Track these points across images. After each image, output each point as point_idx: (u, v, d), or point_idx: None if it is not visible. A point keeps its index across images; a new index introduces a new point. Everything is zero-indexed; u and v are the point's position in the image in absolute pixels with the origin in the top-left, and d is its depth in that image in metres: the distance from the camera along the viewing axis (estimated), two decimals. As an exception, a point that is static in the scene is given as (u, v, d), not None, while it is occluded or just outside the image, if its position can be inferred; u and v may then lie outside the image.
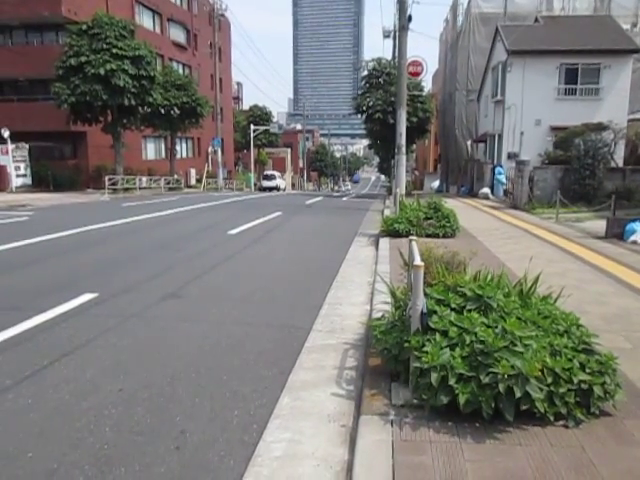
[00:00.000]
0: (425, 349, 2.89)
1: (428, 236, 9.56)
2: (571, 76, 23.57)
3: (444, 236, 9.68)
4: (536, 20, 26.71)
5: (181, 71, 38.92)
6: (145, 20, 35.91)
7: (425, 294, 3.14)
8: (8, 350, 4.10)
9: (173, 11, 39.72)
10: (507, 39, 24.02)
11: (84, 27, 24.45)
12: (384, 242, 9.14)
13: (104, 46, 23.94)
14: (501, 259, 7.57)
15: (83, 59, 23.66)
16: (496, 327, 2.97)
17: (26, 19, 27.89)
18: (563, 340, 3.04)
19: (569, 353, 2.94)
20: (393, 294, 3.91)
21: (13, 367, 3.77)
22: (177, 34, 40.66)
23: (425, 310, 3.00)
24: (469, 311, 3.16)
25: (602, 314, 4.91)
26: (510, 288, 3.64)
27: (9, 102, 29.75)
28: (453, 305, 3.24)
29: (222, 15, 40.21)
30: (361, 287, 6.23)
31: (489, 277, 3.72)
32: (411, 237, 3.88)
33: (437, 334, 2.98)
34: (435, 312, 3.13)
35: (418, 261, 3.00)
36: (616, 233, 10.04)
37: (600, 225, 11.07)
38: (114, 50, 23.97)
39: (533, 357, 2.79)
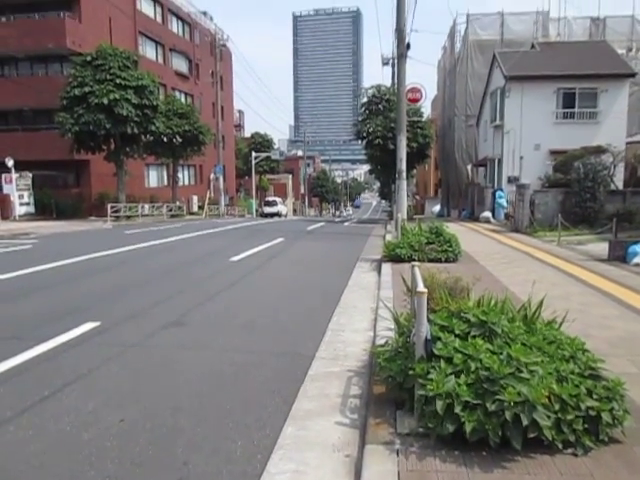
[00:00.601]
0: (430, 376, 2.86)
1: (430, 261, 9.54)
2: (569, 100, 23.85)
3: (446, 261, 9.67)
4: (532, 46, 27.14)
5: (183, 100, 39.45)
6: (148, 51, 36.55)
7: (429, 320, 3.12)
8: (9, 381, 4.07)
9: (175, 42, 40.44)
10: (504, 65, 24.39)
11: (88, 58, 24.87)
12: (386, 267, 9.13)
13: (108, 76, 24.31)
14: (504, 283, 7.54)
15: (87, 89, 24.01)
16: (501, 353, 2.95)
17: (31, 51, 28.41)
18: (569, 366, 3.01)
19: (576, 379, 2.91)
20: (396, 320, 3.89)
21: (14, 398, 3.73)
22: (179, 64, 41.33)
23: (429, 337, 2.98)
24: (473, 337, 3.14)
25: (607, 338, 4.87)
26: (514, 313, 3.63)
27: (14, 132, 30.12)
28: (457, 331, 3.22)
29: (223, 45, 40.98)
30: (364, 313, 6.20)
31: (493, 302, 3.70)
32: (413, 263, 3.88)
33: (442, 361, 2.95)
34: (439, 339, 3.11)
35: (421, 287, 2.99)
36: (619, 255, 10.02)
37: (602, 248, 11.07)
38: (117, 80, 24.35)
39: (539, 384, 2.76)
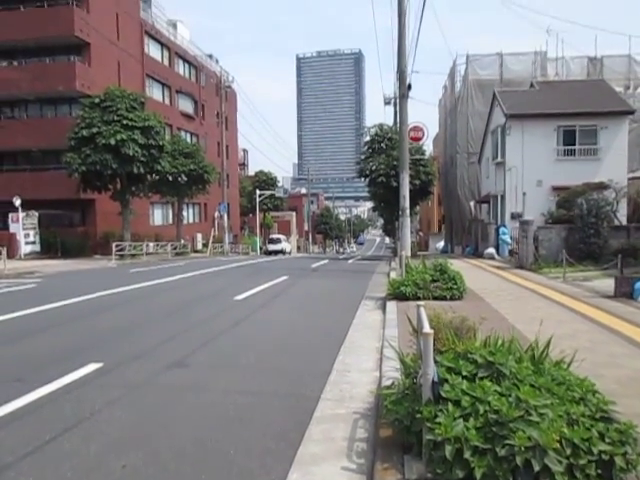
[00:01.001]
0: (438, 420, 2.81)
1: (435, 299, 9.50)
2: (569, 137, 24.13)
3: (451, 298, 9.61)
4: (531, 85, 27.66)
5: (189, 139, 40.16)
6: (155, 92, 37.40)
7: (435, 362, 3.09)
8: (11, 424, 4.01)
9: (182, 84, 41.41)
10: (505, 104, 24.78)
11: (97, 100, 25.45)
12: (391, 305, 9.08)
13: (115, 117, 24.81)
14: (510, 321, 7.47)
15: (95, 130, 24.47)
16: (510, 396, 2.90)
17: (42, 93, 29.14)
18: (580, 408, 2.95)
19: (587, 422, 2.85)
20: (402, 361, 3.84)
21: (15, 442, 3.68)
22: (185, 105, 42.20)
23: (436, 379, 2.94)
24: (481, 379, 3.10)
25: (617, 377, 4.79)
26: (522, 353, 3.58)
27: (22, 172, 30.62)
28: (464, 373, 3.17)
29: (228, 87, 41.88)
30: (370, 352, 6.14)
31: (500, 342, 3.67)
32: (419, 303, 3.86)
33: (449, 404, 2.91)
34: (446, 380, 3.06)
35: (427, 329, 2.97)
36: (625, 292, 9.95)
37: (608, 284, 11.00)
38: (125, 121, 24.82)
39: (550, 427, 2.70)
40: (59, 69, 29.27)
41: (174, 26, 43.51)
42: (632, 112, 24.41)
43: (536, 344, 3.74)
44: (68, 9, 28.34)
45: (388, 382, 4.03)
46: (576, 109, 23.92)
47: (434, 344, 3.13)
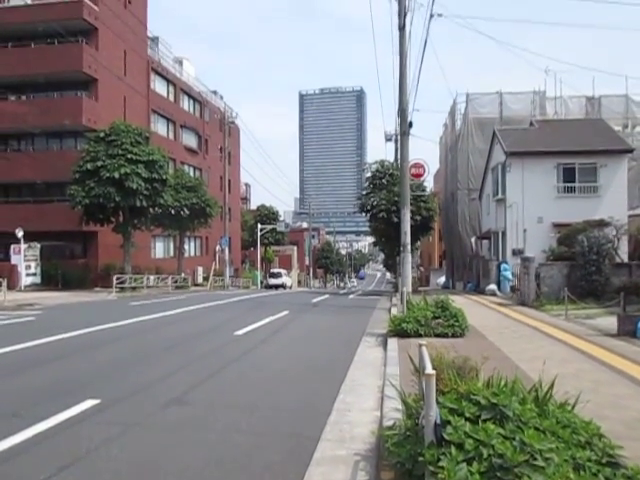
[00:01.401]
0: (441, 464, 2.75)
1: (437, 336, 9.42)
2: (569, 175, 24.34)
3: (453, 335, 9.53)
4: (531, 124, 28.05)
5: (192, 173, 40.57)
6: (160, 127, 37.97)
7: (438, 403, 3.05)
8: (5, 463, 3.93)
9: (186, 119, 42.08)
10: (505, 141, 25.10)
11: (102, 134, 25.84)
12: (392, 342, 9.00)
13: (120, 151, 25.13)
14: (513, 359, 7.40)
15: (99, 163, 24.75)
16: (514, 439, 2.85)
17: (48, 127, 29.58)
18: (586, 453, 2.90)
19: (593, 467, 2.80)
20: (404, 402, 3.79)
21: (9, 482, 3.60)
22: (189, 139, 42.79)
23: (439, 421, 2.90)
24: (484, 421, 3.05)
25: (622, 419, 4.71)
26: (525, 394, 3.54)
27: (26, 203, 30.85)
28: (467, 414, 3.13)
29: (232, 122, 42.51)
30: (370, 391, 6.06)
31: (503, 382, 3.63)
32: (420, 342, 3.84)
33: (452, 447, 2.85)
34: (449, 422, 3.01)
35: (429, 369, 2.94)
36: (628, 330, 9.86)
37: (611, 322, 10.92)
38: (129, 155, 25.13)
39: (556, 472, 2.65)
40: (66, 104, 29.81)
41: (180, 63, 44.49)
42: (631, 151, 24.70)
43: (540, 385, 3.70)
44: (78, 46, 29.04)
45: (389, 422, 3.97)
46: (575, 147, 24.21)
47: (436, 384, 3.09)
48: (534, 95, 31.28)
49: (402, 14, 16.66)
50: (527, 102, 31.30)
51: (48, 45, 29.73)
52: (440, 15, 15.85)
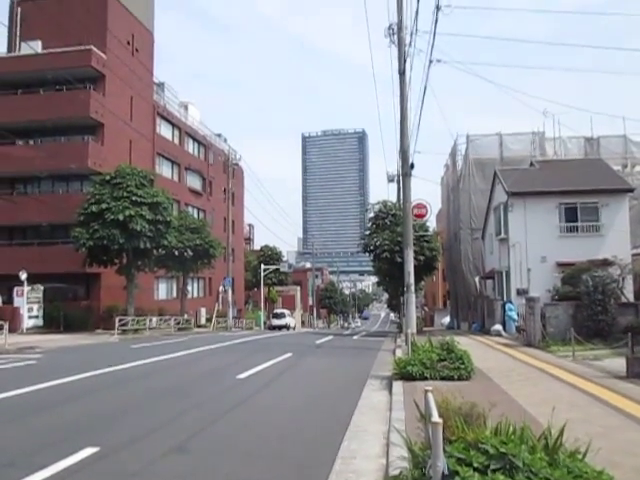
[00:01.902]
0: (449, 518, 2.67)
1: (442, 379, 9.26)
2: (571, 214, 24.41)
3: (459, 378, 9.36)
4: (531, 164, 28.33)
5: (196, 215, 40.87)
6: (164, 169, 38.49)
7: (445, 452, 2.97)
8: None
9: (191, 161, 42.69)
10: (506, 182, 25.30)
11: (107, 177, 26.15)
12: (397, 386, 8.84)
13: (124, 194, 25.35)
14: (521, 403, 7.25)
15: (104, 206, 24.94)
16: (524, 491, 2.77)
17: (55, 171, 29.96)
18: (598, 505, 2.80)
19: (606, 520, 2.70)
20: (411, 450, 3.70)
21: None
22: (193, 181, 43.30)
23: (446, 471, 2.82)
24: (493, 471, 2.97)
25: (635, 466, 4.57)
26: (535, 442, 3.45)
27: (30, 245, 31.01)
28: (476, 464, 3.05)
29: (236, 164, 43.10)
30: (376, 437, 5.92)
31: (511, 429, 3.55)
32: (426, 388, 3.77)
33: (461, 499, 2.77)
34: (457, 473, 2.93)
35: (436, 417, 2.88)
36: (638, 372, 9.68)
37: (620, 363, 10.74)
38: (134, 197, 25.35)
39: (568, 526, 2.56)
40: (73, 148, 30.34)
41: (185, 107, 45.43)
42: (631, 190, 24.85)
43: (549, 431, 3.61)
44: (85, 93, 29.74)
45: (396, 472, 3.86)
46: (576, 187, 24.37)
47: (443, 432, 3.02)
48: (533, 136, 31.70)
49: (402, 59, 17.11)
50: (527, 143, 31.70)
51: (56, 92, 30.44)
52: (439, 61, 16.23)
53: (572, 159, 29.81)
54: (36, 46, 29.79)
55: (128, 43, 33.73)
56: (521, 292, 23.25)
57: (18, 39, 32.13)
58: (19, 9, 32.27)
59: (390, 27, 17.22)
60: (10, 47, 32.59)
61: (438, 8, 14.16)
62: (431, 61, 16.01)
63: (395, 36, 17.17)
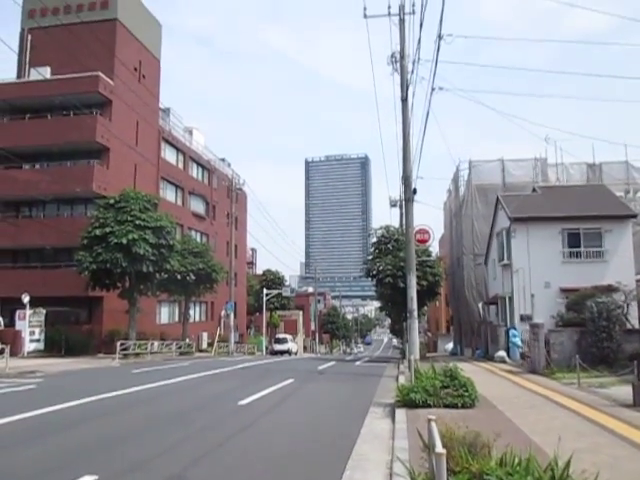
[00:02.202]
0: None
1: (446, 406, 9.15)
2: (574, 240, 24.37)
3: (463, 406, 9.25)
4: (534, 190, 28.38)
5: (199, 239, 40.96)
6: (168, 194, 38.72)
7: (449, 483, 2.93)
8: None
9: (195, 185, 42.97)
10: (508, 207, 25.35)
11: (112, 201, 26.28)
12: (400, 413, 8.74)
13: (128, 218, 25.43)
14: (526, 432, 7.15)
15: (108, 230, 25.00)
16: (530, 524, 2.71)
17: (60, 194, 30.20)
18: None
19: None
20: (414, 480, 3.64)
21: None
22: (197, 205, 43.51)
23: (451, 503, 2.77)
24: (498, 504, 2.92)
25: (644, 500, 4.49)
26: (541, 473, 3.40)
27: (33, 269, 31.03)
28: (480, 496, 3.00)
29: (239, 189, 43.35)
30: (379, 467, 5.82)
31: (516, 460, 3.49)
32: (430, 417, 3.73)
33: (466, 532, 2.72)
34: (461, 505, 2.88)
35: (439, 448, 2.84)
36: (644, 401, 9.56)
37: (626, 391, 10.59)
38: (137, 221, 25.42)
39: None
40: (78, 172, 30.61)
41: (190, 132, 45.89)
42: (635, 216, 24.86)
43: (555, 462, 3.55)
44: (92, 118, 30.15)
45: (399, 503, 3.80)
46: (579, 212, 24.38)
47: (447, 463, 2.98)
48: (535, 162, 31.84)
49: (404, 87, 17.31)
50: (529, 169, 31.82)
51: (64, 116, 30.87)
52: (441, 88, 16.44)
53: (575, 185, 29.89)
54: (45, 72, 30.34)
55: (135, 69, 34.29)
56: (525, 318, 23.08)
57: (27, 65, 32.70)
58: (29, 36, 32.92)
59: (393, 55, 17.45)
60: (20, 73, 33.14)
61: (440, 37, 14.37)
62: (433, 89, 16.23)
63: (397, 64, 17.41)
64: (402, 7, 17.30)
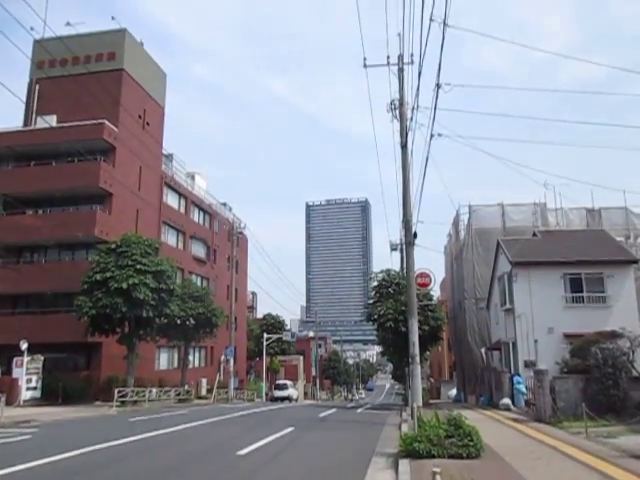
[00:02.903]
0: None
1: (451, 457, 8.91)
2: (576, 285, 24.25)
3: (468, 456, 9.00)
4: (534, 234, 28.45)
5: (199, 283, 40.88)
6: (169, 238, 38.91)
7: None
8: None
9: (196, 230, 43.21)
10: (509, 251, 25.36)
11: (113, 246, 26.33)
12: (404, 464, 8.49)
13: (129, 262, 25.39)
14: (534, 486, 6.93)
15: (108, 274, 24.94)
16: None
17: (62, 239, 30.26)
18: None
19: None
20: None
21: None
22: (198, 249, 43.62)
23: None
24: None
25: None
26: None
27: (32, 314, 30.80)
28: None
29: (240, 233, 43.53)
30: (382, 523, 5.63)
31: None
32: (434, 469, 3.62)
33: None
34: None
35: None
36: (654, 453, 9.31)
37: (635, 441, 10.40)
38: (138, 266, 25.35)
39: None
40: (81, 217, 30.84)
41: (192, 177, 46.48)
42: (636, 261, 24.83)
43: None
44: (96, 164, 30.60)
45: None
46: (580, 257, 24.34)
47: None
48: (535, 207, 32.04)
49: (403, 133, 17.64)
50: (529, 213, 32.00)
51: (68, 163, 31.33)
52: (440, 135, 16.72)
53: (575, 230, 29.97)
54: (51, 120, 30.97)
55: (139, 117, 35.03)
56: (529, 364, 22.72)
57: (34, 114, 33.42)
58: (37, 86, 33.78)
59: (392, 102, 17.85)
60: (26, 121, 33.83)
61: (438, 86, 14.70)
62: (432, 135, 16.51)
63: (397, 111, 17.79)
64: (401, 57, 17.83)
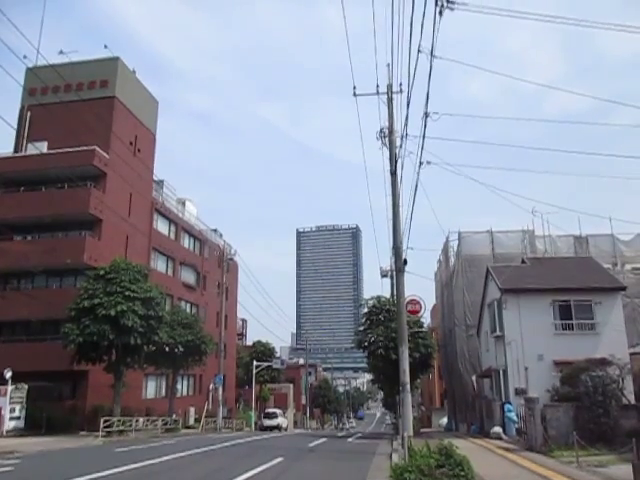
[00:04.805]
0: None
1: (442, 487, 8.79)
2: (565, 312, 24.36)
3: (459, 487, 8.89)
4: (523, 261, 28.67)
5: (189, 310, 40.51)
6: (159, 264, 38.66)
7: None
8: None
9: (186, 256, 43.00)
10: (499, 278, 25.48)
11: (102, 272, 26.00)
12: (394, 496, 8.38)
13: (118, 289, 25.02)
14: (525, 517, 6.85)
15: (96, 301, 24.56)
16: None
17: (50, 266, 29.91)
18: None
19: None
20: None
21: None
22: (188, 276, 43.33)
23: None
24: None
25: None
26: None
27: (18, 342, 30.24)
28: None
29: (230, 259, 43.38)
30: None
31: None
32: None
33: None
34: None
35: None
36: (646, 481, 9.24)
37: (626, 471, 10.28)
38: (127, 292, 25.01)
39: None
40: (69, 243, 30.60)
41: (183, 204, 46.43)
42: (623, 288, 25.01)
43: None
44: (86, 190, 30.51)
45: None
46: (569, 284, 24.53)
47: None
48: (523, 234, 32.38)
49: (393, 161, 17.84)
50: (517, 240, 32.31)
51: (58, 189, 31.21)
52: (429, 163, 16.91)
53: (563, 257, 30.26)
54: (42, 147, 30.97)
55: (131, 144, 35.14)
56: (520, 392, 22.64)
57: (25, 140, 33.41)
58: (29, 113, 33.87)
59: (381, 130, 18.12)
60: (17, 147, 33.80)
61: (427, 115, 14.93)
62: (421, 163, 16.67)
63: (386, 139, 18.03)
64: (390, 86, 18.16)
